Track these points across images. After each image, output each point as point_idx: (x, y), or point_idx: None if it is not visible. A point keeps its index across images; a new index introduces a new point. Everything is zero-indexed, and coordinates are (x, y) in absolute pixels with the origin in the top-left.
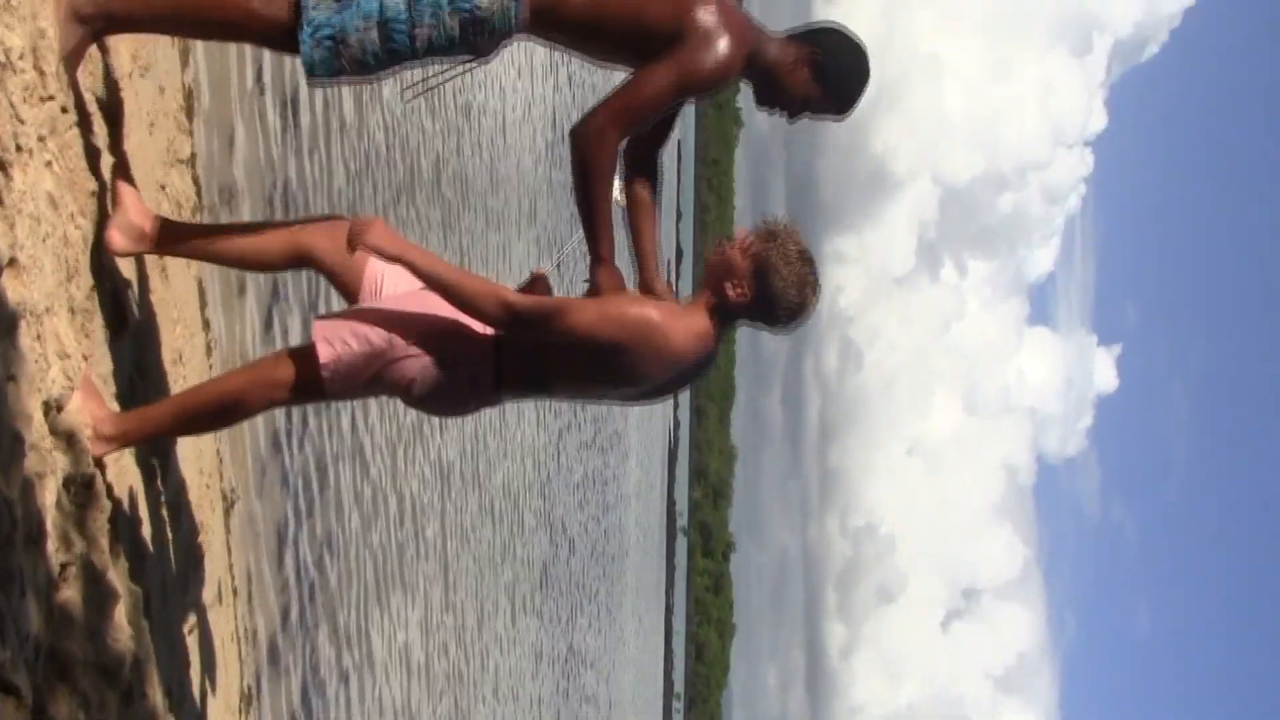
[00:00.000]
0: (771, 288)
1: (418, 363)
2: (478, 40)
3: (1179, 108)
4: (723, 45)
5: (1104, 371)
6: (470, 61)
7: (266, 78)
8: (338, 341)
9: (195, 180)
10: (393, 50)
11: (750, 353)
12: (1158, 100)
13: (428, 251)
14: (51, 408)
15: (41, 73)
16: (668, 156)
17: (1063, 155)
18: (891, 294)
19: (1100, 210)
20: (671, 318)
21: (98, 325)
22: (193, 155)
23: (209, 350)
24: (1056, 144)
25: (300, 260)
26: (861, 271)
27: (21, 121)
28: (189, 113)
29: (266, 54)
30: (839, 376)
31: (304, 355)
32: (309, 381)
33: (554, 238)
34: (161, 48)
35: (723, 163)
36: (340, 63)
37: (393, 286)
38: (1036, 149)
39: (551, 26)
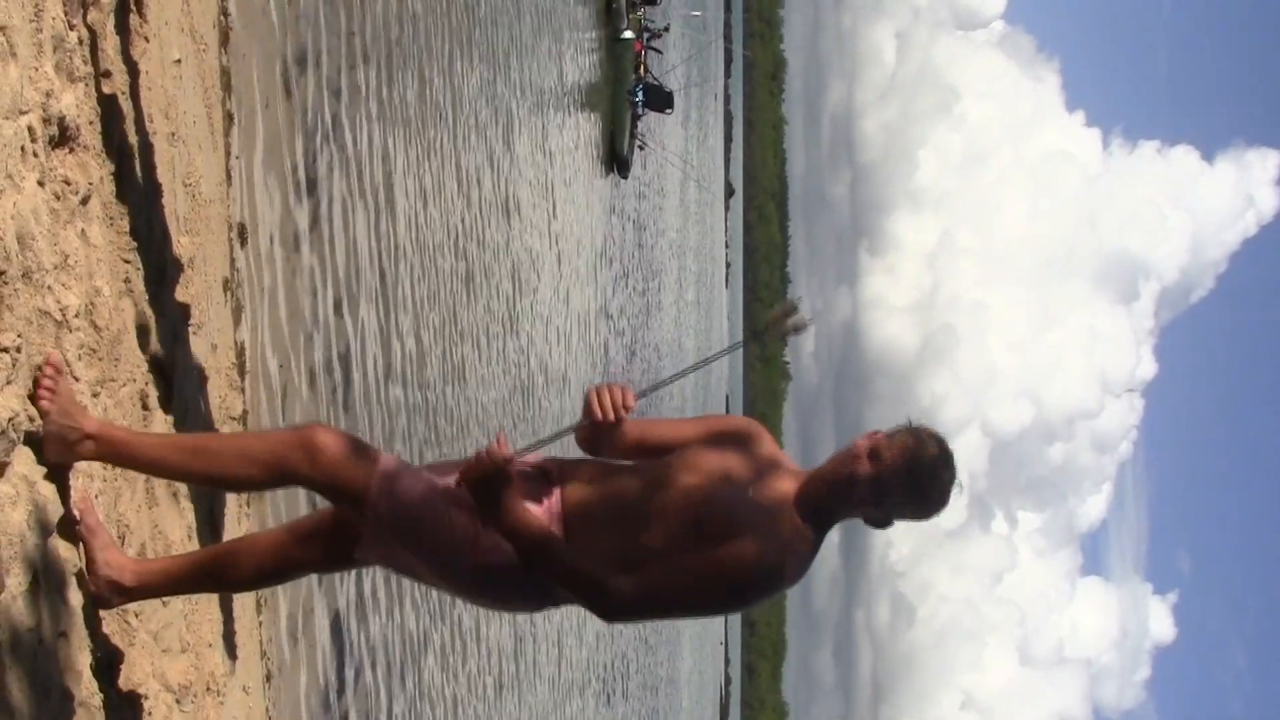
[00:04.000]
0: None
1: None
2: None
3: (1229, 352)
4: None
5: (1160, 621)
6: None
7: (318, 336)
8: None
9: None
10: None
11: (802, 609)
12: (1207, 346)
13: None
14: (101, 664)
15: (97, 329)
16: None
17: (1112, 404)
18: (943, 547)
19: (1152, 458)
20: (778, 544)
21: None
22: (244, 413)
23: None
24: (1105, 392)
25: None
26: (912, 526)
27: (76, 379)
28: (240, 370)
29: (320, 314)
30: (891, 631)
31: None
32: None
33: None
34: (215, 307)
35: (771, 417)
36: None
37: None
38: (1085, 398)
39: None
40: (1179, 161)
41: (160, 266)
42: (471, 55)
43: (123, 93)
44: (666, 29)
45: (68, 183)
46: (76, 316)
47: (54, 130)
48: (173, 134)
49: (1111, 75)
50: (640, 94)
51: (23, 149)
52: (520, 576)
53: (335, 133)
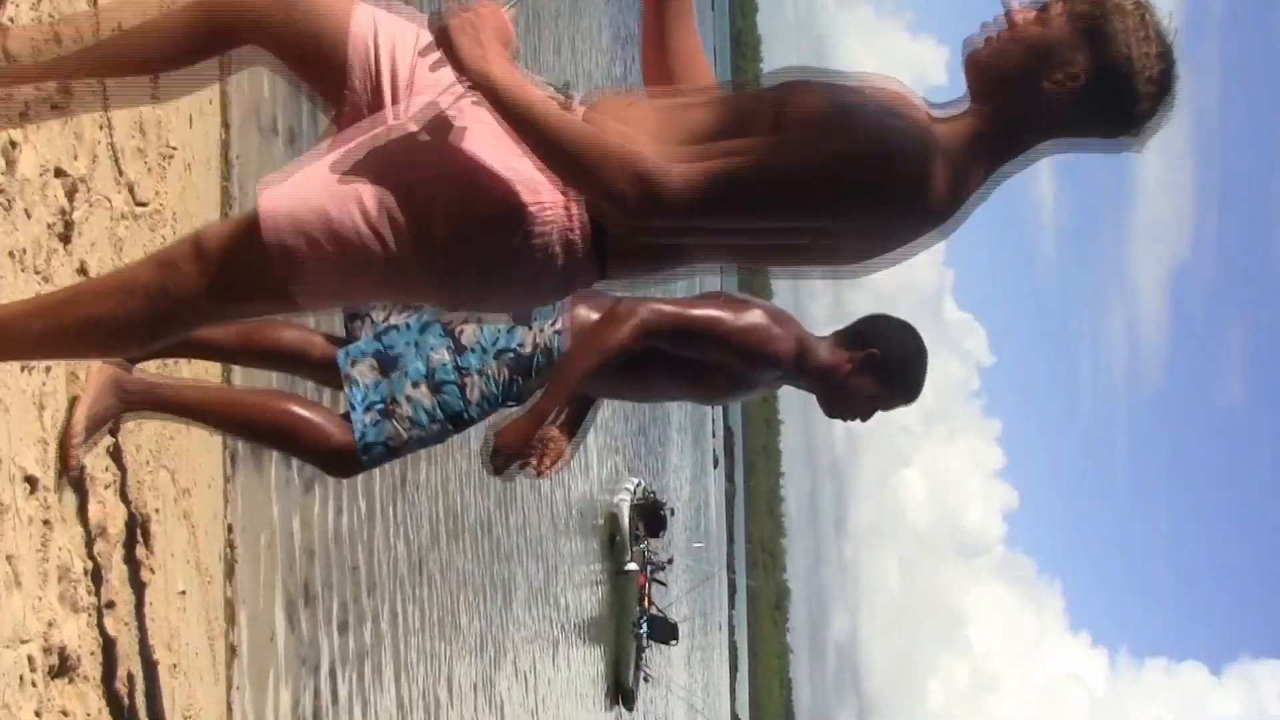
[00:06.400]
0: (1117, 53)
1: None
2: (524, 386)
3: None
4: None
5: None
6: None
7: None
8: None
9: None
10: (445, 405)
11: None
12: None
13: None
14: None
15: None
16: None
17: None
18: None
19: None
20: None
21: None
22: None
23: None
24: None
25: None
26: None
27: None
28: None
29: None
30: None
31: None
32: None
33: None
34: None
35: None
36: (393, 426)
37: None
38: None
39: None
40: (1187, 678)
41: None
42: (474, 590)
43: (126, 624)
44: (670, 561)
45: (65, 714)
46: None
47: (54, 660)
48: (174, 665)
49: (1114, 592)
50: (645, 625)
51: (21, 678)
52: (489, 246)
53: (341, 669)
